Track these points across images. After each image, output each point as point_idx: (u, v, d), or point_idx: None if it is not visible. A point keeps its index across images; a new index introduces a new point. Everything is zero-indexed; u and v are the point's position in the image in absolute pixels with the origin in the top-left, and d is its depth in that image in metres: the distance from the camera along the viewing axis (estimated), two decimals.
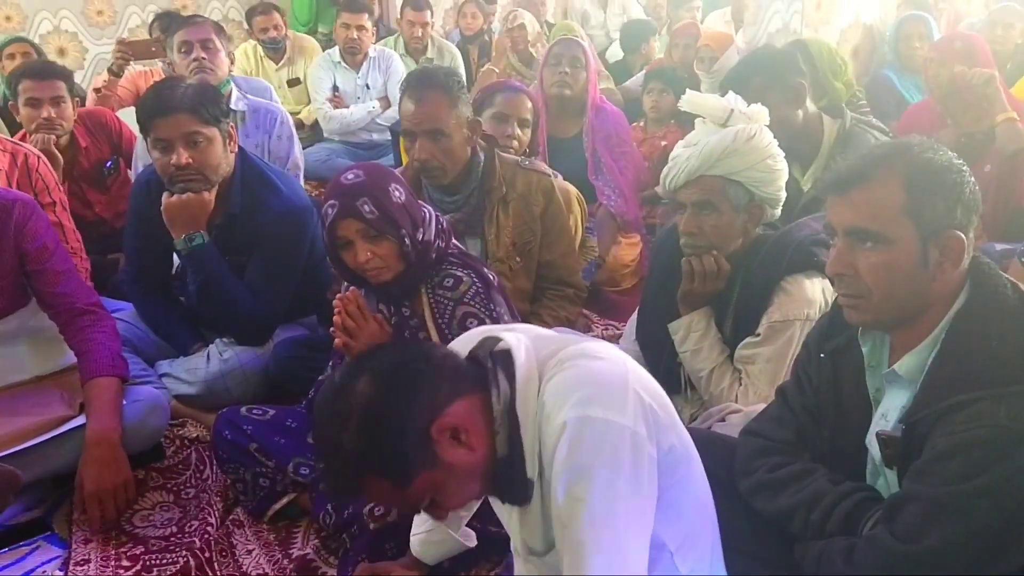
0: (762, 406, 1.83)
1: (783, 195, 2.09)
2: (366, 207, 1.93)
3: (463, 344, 1.40)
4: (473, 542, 1.79)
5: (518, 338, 1.32)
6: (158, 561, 2.09)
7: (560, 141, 3.75)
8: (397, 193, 1.98)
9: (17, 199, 2.33)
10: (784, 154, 2.07)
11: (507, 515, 1.40)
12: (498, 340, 1.33)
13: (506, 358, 1.29)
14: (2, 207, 2.28)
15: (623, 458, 1.18)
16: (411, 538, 1.77)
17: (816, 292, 2.01)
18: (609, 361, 1.28)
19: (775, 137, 2.07)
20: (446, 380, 1.26)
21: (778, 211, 2.10)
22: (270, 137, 3.59)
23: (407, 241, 1.97)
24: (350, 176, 1.98)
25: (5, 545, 2.15)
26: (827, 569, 1.45)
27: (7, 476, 1.73)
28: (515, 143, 3.10)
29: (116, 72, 4.13)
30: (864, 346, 1.55)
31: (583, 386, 1.22)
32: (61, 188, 3.09)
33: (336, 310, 2.03)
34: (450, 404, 1.25)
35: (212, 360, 2.68)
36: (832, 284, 1.60)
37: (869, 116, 3.21)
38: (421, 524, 1.75)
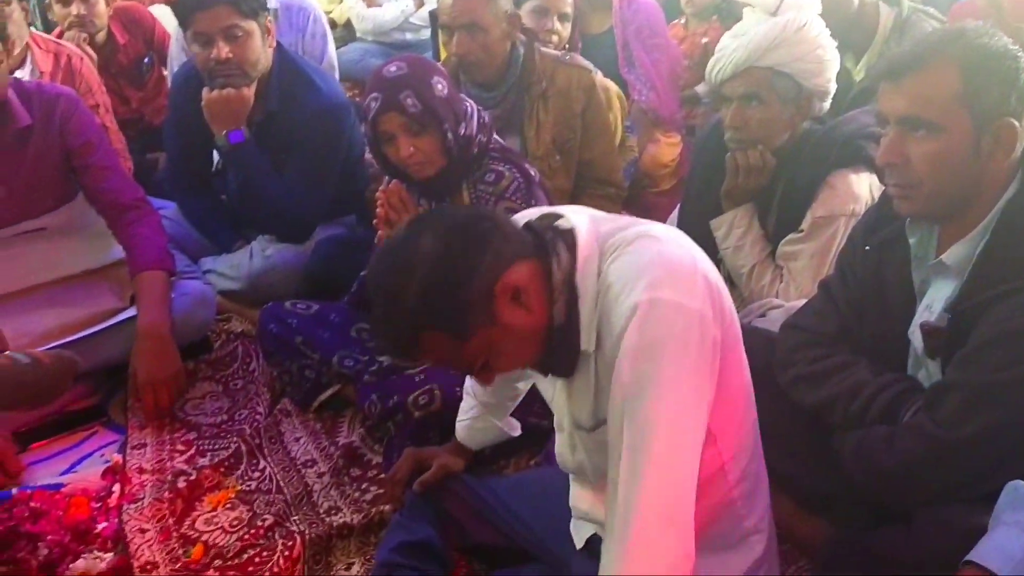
0: (803, 302, 1.83)
1: (833, 87, 2.04)
2: (409, 100, 1.92)
3: (520, 220, 1.40)
4: (517, 431, 1.84)
5: (578, 215, 1.33)
6: (211, 446, 2.18)
7: (591, 37, 3.67)
8: (440, 86, 1.97)
9: (61, 94, 2.35)
10: (836, 44, 2.02)
11: (553, 390, 1.42)
12: (558, 216, 1.33)
13: (566, 232, 1.30)
14: (47, 102, 2.30)
15: (691, 340, 1.19)
16: (457, 424, 1.81)
17: (862, 187, 1.98)
18: (675, 243, 1.27)
19: (828, 25, 2.01)
20: (510, 241, 1.26)
21: (827, 104, 2.06)
22: (303, 36, 3.53)
23: (449, 136, 1.96)
24: (392, 68, 1.96)
25: (65, 430, 2.24)
26: (866, 457, 1.48)
27: (67, 361, 1.78)
28: (555, 38, 3.04)
29: None
30: (911, 237, 1.54)
31: (653, 268, 1.21)
32: (103, 89, 3.10)
33: (379, 203, 2.05)
34: (513, 264, 1.25)
35: (254, 257, 2.73)
36: (882, 175, 1.58)
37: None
38: (467, 411, 1.80)
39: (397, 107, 1.93)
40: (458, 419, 1.82)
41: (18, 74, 2.79)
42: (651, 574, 1.14)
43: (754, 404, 1.41)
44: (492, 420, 1.79)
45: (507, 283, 1.24)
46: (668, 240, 1.27)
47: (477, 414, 1.79)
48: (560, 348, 1.29)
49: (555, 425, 1.48)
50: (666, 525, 1.16)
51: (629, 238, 1.27)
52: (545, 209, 1.37)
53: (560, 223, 1.31)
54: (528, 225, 1.33)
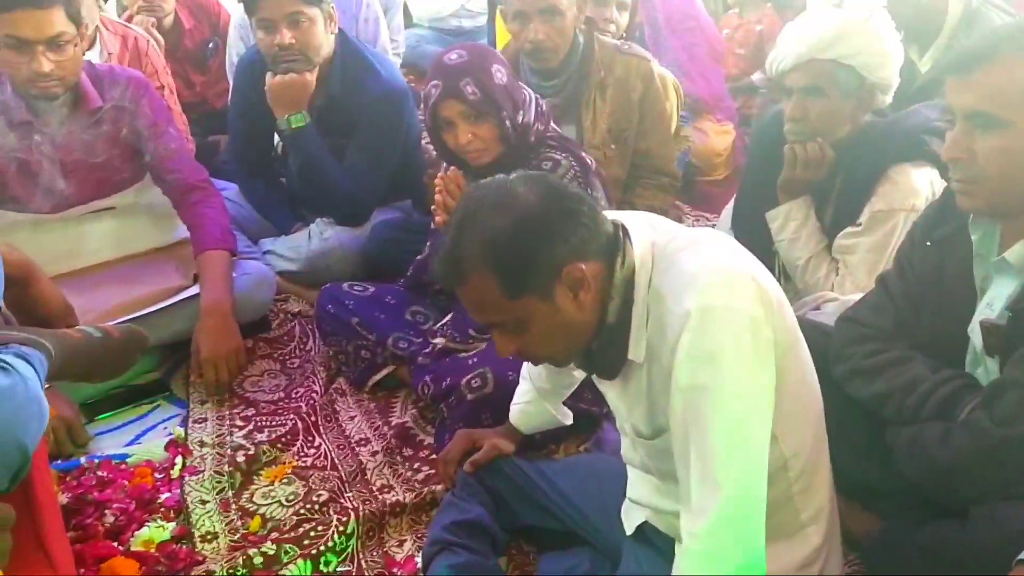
0: (859, 296, 1.82)
1: (896, 81, 2.01)
2: (469, 88, 1.95)
3: None
4: (569, 420, 1.85)
5: (638, 222, 1.34)
6: (268, 423, 2.23)
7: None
8: (499, 74, 1.99)
9: (131, 76, 2.42)
10: (902, 35, 1.99)
11: (614, 398, 1.43)
12: (619, 221, 1.35)
13: (627, 237, 1.31)
14: (117, 84, 2.37)
15: (746, 343, 1.20)
16: (512, 407, 1.84)
17: (923, 183, 1.96)
18: (723, 249, 1.30)
19: (895, 15, 1.98)
20: (594, 234, 1.28)
21: (889, 97, 2.03)
22: (356, 21, 3.58)
23: (508, 123, 1.98)
24: (453, 56, 1.99)
25: (130, 402, 2.32)
26: (921, 452, 1.47)
27: (136, 335, 1.84)
28: (612, 27, 3.04)
29: None
30: (974, 234, 1.52)
31: (701, 276, 1.23)
32: (168, 72, 3.17)
33: (437, 189, 2.08)
34: (589, 257, 1.27)
35: (313, 239, 2.78)
36: (944, 170, 1.56)
37: None
38: (522, 395, 1.83)
39: (457, 94, 1.96)
40: (513, 402, 1.85)
41: (88, 55, 2.87)
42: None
43: (819, 400, 1.41)
44: (546, 406, 1.81)
45: (576, 270, 1.26)
46: (716, 246, 1.30)
47: (531, 399, 1.81)
48: (607, 348, 1.32)
49: (618, 427, 1.50)
50: (740, 530, 1.18)
51: (678, 247, 1.29)
52: (610, 213, 1.38)
53: (624, 226, 1.33)
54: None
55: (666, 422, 1.29)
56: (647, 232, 1.32)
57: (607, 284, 1.29)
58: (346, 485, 1.99)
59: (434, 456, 2.05)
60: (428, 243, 2.34)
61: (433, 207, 2.11)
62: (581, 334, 1.32)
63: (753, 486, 1.19)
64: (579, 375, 1.74)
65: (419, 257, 2.36)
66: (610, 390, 1.43)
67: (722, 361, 1.19)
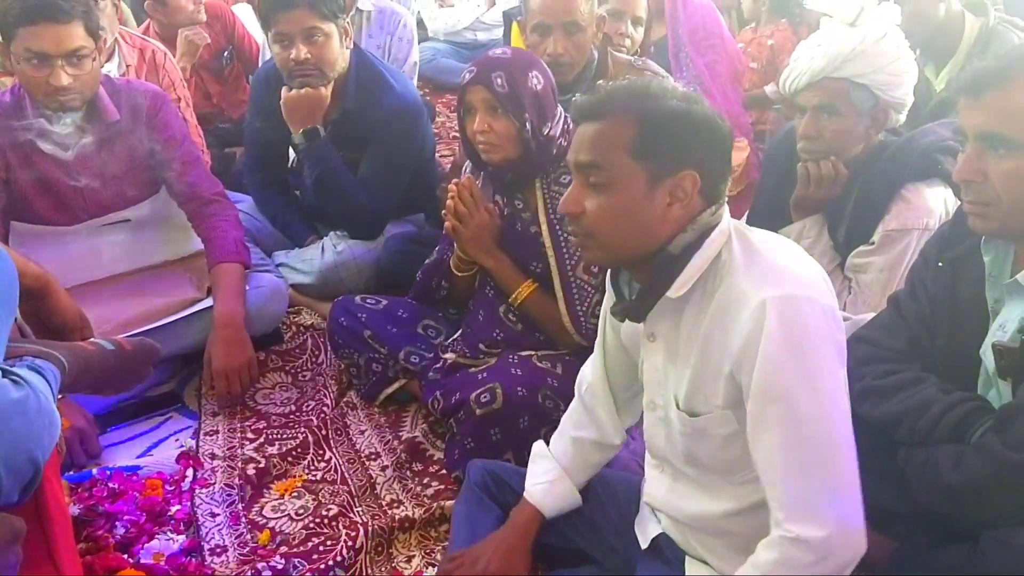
0: (871, 315, 1.82)
1: (910, 100, 2.01)
2: (499, 80, 1.98)
3: None
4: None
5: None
6: (279, 436, 2.24)
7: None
8: (536, 80, 2.02)
9: (149, 90, 2.44)
10: (917, 54, 1.99)
11: (659, 365, 1.43)
12: None
13: None
14: (134, 98, 2.39)
15: (830, 332, 1.24)
16: (531, 486, 1.67)
17: (937, 202, 1.95)
18: (796, 247, 1.37)
19: (911, 32, 1.98)
20: (720, 176, 1.34)
21: (903, 116, 2.03)
22: (392, 38, 3.65)
23: (528, 127, 1.99)
24: (499, 51, 2.07)
25: (142, 414, 2.33)
26: (932, 475, 1.46)
27: (148, 348, 1.85)
28: (627, 42, 3.04)
29: None
30: (986, 255, 1.51)
31: (779, 265, 1.28)
32: (185, 85, 3.20)
33: (450, 195, 2.09)
34: (704, 182, 1.31)
35: (326, 252, 2.79)
36: (957, 189, 1.55)
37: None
38: (546, 472, 1.68)
39: (485, 82, 2.00)
40: (532, 482, 1.68)
41: (106, 67, 2.90)
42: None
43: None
44: (572, 485, 1.67)
45: (692, 178, 1.30)
46: (790, 243, 1.36)
47: (556, 476, 1.66)
48: (654, 276, 1.34)
49: (645, 404, 1.49)
50: (841, 514, 1.23)
51: (760, 237, 1.34)
52: None
53: None
54: None
55: (704, 406, 1.33)
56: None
57: (694, 217, 1.32)
58: (356, 500, 1.99)
59: (443, 472, 2.05)
60: (437, 249, 2.34)
61: (444, 211, 2.12)
62: (645, 238, 1.32)
63: (852, 469, 1.25)
64: (614, 445, 1.68)
65: (427, 262, 2.37)
66: (656, 355, 1.42)
67: (811, 350, 1.22)
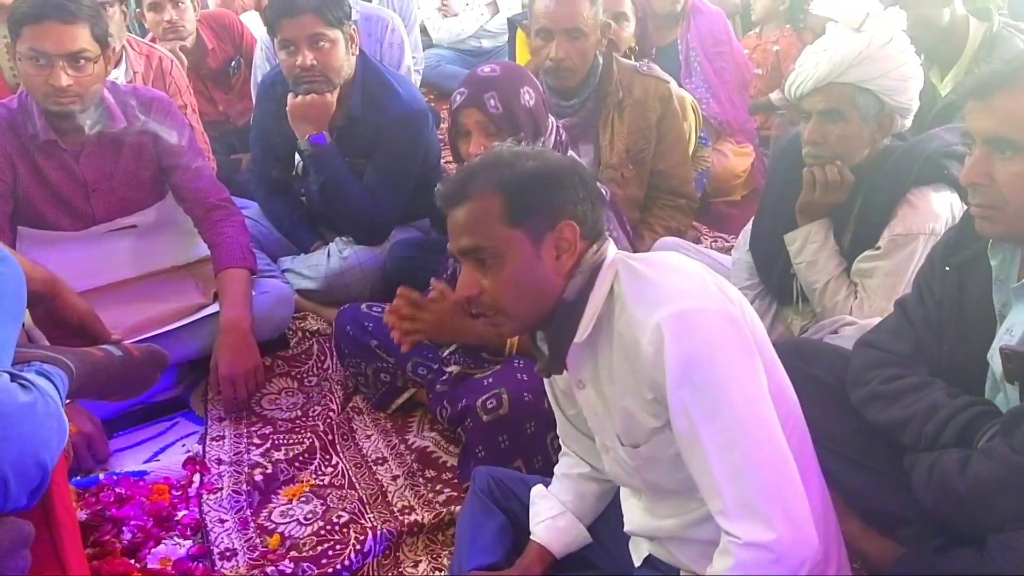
0: (877, 320, 1.82)
1: (915, 105, 2.00)
2: (492, 101, 1.97)
3: None
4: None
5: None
6: (285, 441, 2.25)
7: (657, 48, 3.67)
8: (527, 96, 2.01)
9: (155, 97, 2.45)
10: (922, 59, 1.99)
11: (593, 411, 1.45)
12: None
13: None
14: (141, 104, 2.40)
15: (730, 336, 1.26)
16: (534, 526, 1.65)
17: (943, 206, 1.95)
18: (682, 261, 1.38)
19: (916, 37, 1.98)
20: (593, 215, 1.38)
21: (909, 121, 2.03)
22: (381, 45, 3.63)
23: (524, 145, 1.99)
24: (487, 69, 2.04)
25: (148, 420, 2.34)
26: (939, 480, 1.46)
27: (156, 355, 1.86)
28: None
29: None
30: (993, 260, 1.51)
31: (665, 286, 1.30)
32: (191, 91, 3.21)
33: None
34: (581, 228, 1.35)
35: (332, 258, 2.79)
36: (963, 194, 1.56)
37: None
38: (550, 510, 1.64)
39: (479, 104, 1.98)
40: (535, 521, 1.65)
41: (113, 74, 2.90)
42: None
43: (798, 410, 1.42)
44: (577, 522, 1.63)
45: (570, 227, 1.34)
46: (674, 261, 1.38)
47: (558, 512, 1.63)
48: (559, 328, 1.37)
49: (599, 447, 1.51)
50: (784, 502, 1.22)
51: (644, 264, 1.36)
52: None
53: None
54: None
55: (643, 434, 1.34)
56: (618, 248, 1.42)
57: (580, 259, 1.36)
58: (367, 506, 1.99)
59: (455, 480, 2.06)
60: (443, 266, 2.34)
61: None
62: (545, 295, 1.36)
63: (786, 470, 1.25)
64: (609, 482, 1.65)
65: (433, 280, 2.36)
66: (590, 400, 1.44)
67: (711, 360, 1.23)
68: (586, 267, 1.35)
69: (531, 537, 1.63)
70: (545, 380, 1.61)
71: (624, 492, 1.55)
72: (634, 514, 1.51)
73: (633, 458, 1.39)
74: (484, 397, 1.98)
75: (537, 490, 1.68)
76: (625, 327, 1.31)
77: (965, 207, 1.61)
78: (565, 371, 1.44)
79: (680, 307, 1.25)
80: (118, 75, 2.94)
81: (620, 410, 1.36)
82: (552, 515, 1.63)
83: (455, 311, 2.01)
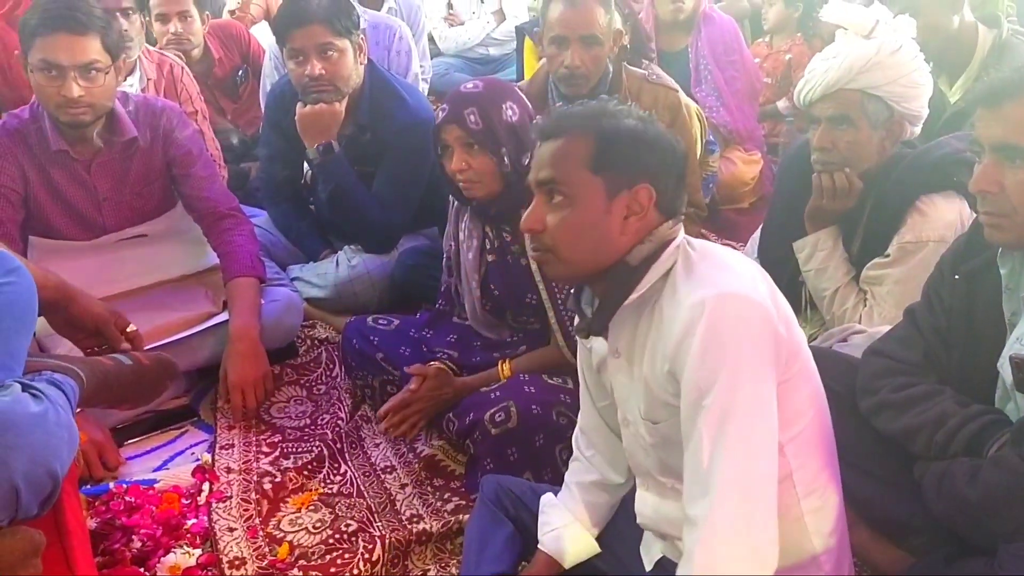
0: (887, 328, 1.81)
1: (925, 112, 2.00)
2: (472, 117, 1.96)
3: None
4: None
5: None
6: (294, 449, 2.25)
7: (667, 54, 3.67)
8: (510, 112, 2.00)
9: (165, 106, 2.47)
10: (931, 66, 1.98)
11: (621, 384, 1.45)
12: None
13: None
14: (152, 114, 2.42)
15: (759, 329, 1.26)
16: (543, 535, 1.63)
17: (952, 214, 1.94)
18: (737, 258, 1.39)
19: (925, 44, 1.98)
20: (675, 194, 1.38)
21: (918, 129, 2.03)
22: (389, 53, 3.65)
23: (506, 161, 1.98)
24: (469, 85, 2.03)
25: (157, 428, 2.34)
26: (949, 489, 1.45)
27: (166, 364, 1.88)
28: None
29: (236, 15, 4.26)
30: (1003, 268, 1.51)
31: (717, 271, 1.31)
32: (202, 99, 3.23)
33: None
34: (660, 198, 1.35)
35: (341, 266, 2.80)
36: (973, 202, 1.55)
37: None
38: (556, 520, 1.63)
39: (459, 120, 1.98)
40: (544, 531, 1.64)
41: (128, 81, 2.94)
42: (735, 556, 1.20)
43: (827, 418, 1.42)
44: (583, 531, 1.63)
45: (647, 191, 1.34)
46: (731, 255, 1.38)
47: (568, 522, 1.62)
48: (612, 288, 1.37)
49: (620, 423, 1.51)
50: (750, 504, 1.22)
51: (698, 250, 1.37)
52: None
53: None
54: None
55: (663, 412, 1.34)
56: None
57: (651, 229, 1.36)
58: (375, 515, 1.99)
59: (463, 489, 2.06)
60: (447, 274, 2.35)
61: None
62: (600, 250, 1.36)
63: (763, 464, 1.24)
64: (617, 484, 1.65)
65: (443, 289, 2.37)
66: (621, 370, 1.44)
67: (736, 342, 1.24)
68: (657, 238, 1.36)
69: (539, 547, 1.63)
70: (580, 368, 1.62)
71: (638, 483, 1.54)
72: (646, 506, 1.51)
73: (651, 434, 1.39)
74: (492, 410, 1.97)
75: (547, 499, 1.68)
76: (668, 302, 1.32)
77: (974, 215, 1.61)
78: (603, 338, 1.45)
79: (726, 290, 1.26)
80: (133, 82, 2.97)
81: (645, 384, 1.36)
82: (561, 524, 1.62)
83: (439, 383, 2.12)
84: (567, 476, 1.69)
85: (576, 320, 1.49)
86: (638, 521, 1.54)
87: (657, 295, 1.35)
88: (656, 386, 1.34)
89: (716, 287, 1.27)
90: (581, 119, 1.37)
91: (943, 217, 1.94)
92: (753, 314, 1.26)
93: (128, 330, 1.93)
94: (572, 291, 1.52)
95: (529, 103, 2.10)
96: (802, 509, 1.35)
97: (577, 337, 1.55)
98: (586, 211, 1.34)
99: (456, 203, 2.23)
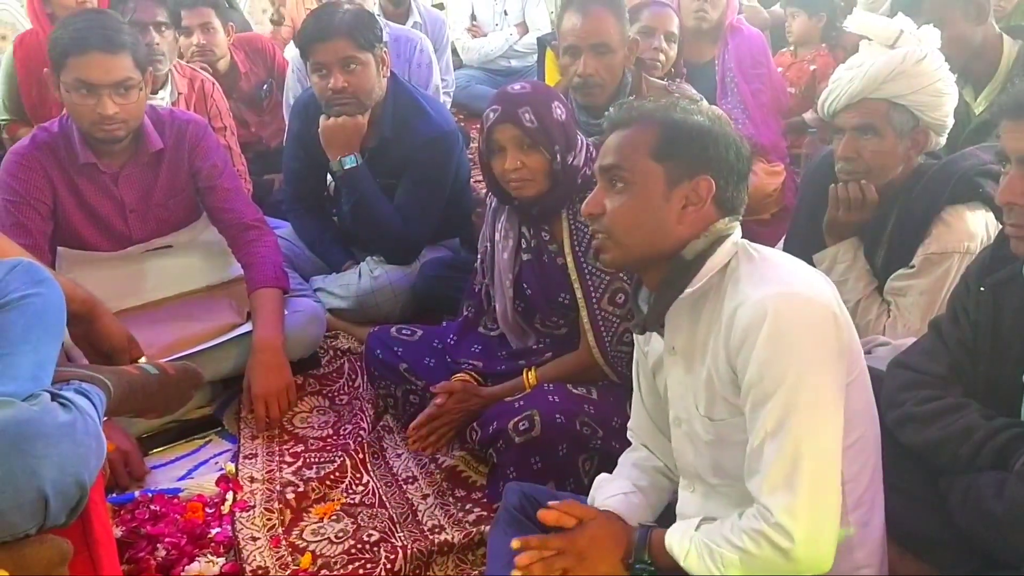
0: (911, 340, 1.80)
1: (950, 122, 1.99)
2: (527, 116, 1.98)
3: None
4: None
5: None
6: (317, 459, 2.26)
7: (693, 66, 3.66)
8: (559, 111, 2.03)
9: (191, 120, 2.50)
10: (956, 77, 1.97)
11: (678, 380, 1.46)
12: None
13: None
14: (178, 127, 2.45)
15: (828, 332, 1.27)
16: (605, 499, 1.58)
17: (978, 225, 1.93)
18: (800, 263, 1.40)
19: (950, 56, 1.97)
20: (736, 190, 1.41)
21: (943, 139, 2.01)
22: (410, 65, 3.68)
23: (558, 158, 2.00)
24: (517, 87, 2.05)
25: (182, 437, 2.36)
26: (974, 503, 1.44)
27: (191, 374, 1.89)
28: (662, 57, 3.07)
29: (276, 21, 4.31)
30: None
31: (782, 271, 1.33)
32: (231, 113, 3.27)
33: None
34: (719, 192, 1.38)
35: (363, 277, 2.82)
36: (998, 213, 1.54)
37: None
38: (616, 490, 1.59)
39: (514, 119, 1.99)
40: (606, 496, 1.59)
41: (160, 94, 2.98)
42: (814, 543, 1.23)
43: (878, 437, 1.42)
44: (645, 501, 1.60)
45: (707, 183, 1.37)
46: (794, 259, 1.40)
47: (630, 488, 1.59)
48: (669, 276, 1.39)
49: (671, 423, 1.51)
50: (820, 498, 1.25)
51: (764, 254, 1.38)
52: None
53: None
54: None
55: (725, 407, 1.35)
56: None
57: (708, 224, 1.38)
58: (397, 525, 2.00)
59: (485, 499, 2.06)
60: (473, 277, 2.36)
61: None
62: (657, 238, 1.39)
63: (828, 463, 1.26)
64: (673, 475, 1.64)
65: (467, 302, 2.39)
66: (677, 367, 1.45)
67: (802, 343, 1.25)
68: (713, 233, 1.38)
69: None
70: (635, 372, 1.63)
71: (682, 485, 1.54)
72: (689, 507, 1.50)
73: (708, 431, 1.40)
74: (516, 419, 1.98)
75: (602, 476, 1.66)
76: (729, 299, 1.33)
77: (1000, 226, 1.60)
78: (659, 335, 1.46)
79: (791, 289, 1.28)
80: (164, 95, 3.01)
81: (706, 378, 1.37)
82: (624, 491, 1.58)
83: (466, 395, 2.13)
84: (625, 458, 1.68)
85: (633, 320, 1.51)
86: (679, 514, 1.52)
87: (715, 291, 1.36)
88: (721, 385, 1.35)
89: (781, 286, 1.28)
90: (649, 110, 1.42)
91: (968, 228, 1.92)
92: (818, 314, 1.27)
93: (140, 362, 1.93)
94: (616, 287, 1.53)
95: None
96: (848, 521, 1.35)
97: (633, 335, 1.57)
98: (645, 197, 1.38)
99: (493, 204, 2.25)
